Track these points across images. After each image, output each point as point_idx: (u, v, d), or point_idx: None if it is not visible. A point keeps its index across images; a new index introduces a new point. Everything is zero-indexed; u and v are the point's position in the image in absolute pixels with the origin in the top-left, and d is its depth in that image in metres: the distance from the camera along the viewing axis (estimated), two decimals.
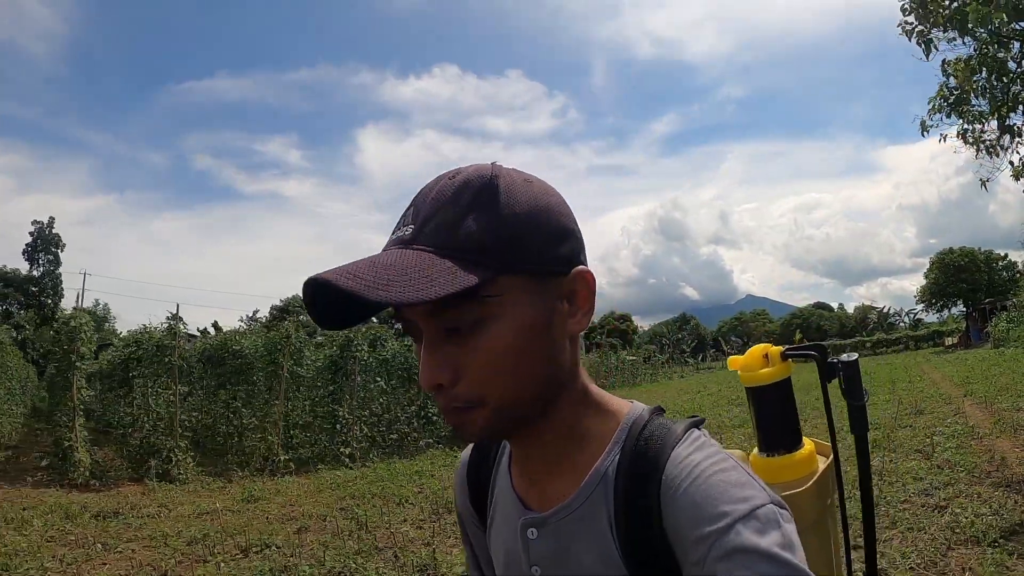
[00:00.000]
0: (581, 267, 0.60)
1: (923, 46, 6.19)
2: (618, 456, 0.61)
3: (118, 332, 20.77)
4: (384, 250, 0.57)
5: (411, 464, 8.90)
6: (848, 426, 0.89)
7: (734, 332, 65.82)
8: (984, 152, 6.56)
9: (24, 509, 6.45)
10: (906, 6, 6.28)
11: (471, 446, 0.78)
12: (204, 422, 10.73)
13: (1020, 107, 6.10)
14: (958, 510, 4.50)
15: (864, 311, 66.01)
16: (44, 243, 42.15)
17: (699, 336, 62.25)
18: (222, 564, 4.71)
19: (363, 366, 10.48)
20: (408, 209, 0.58)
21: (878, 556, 3.82)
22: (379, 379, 10.81)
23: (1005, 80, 5.99)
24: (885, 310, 61.91)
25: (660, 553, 0.56)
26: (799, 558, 0.50)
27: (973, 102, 6.28)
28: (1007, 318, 25.31)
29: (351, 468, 8.90)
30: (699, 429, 0.63)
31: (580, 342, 0.65)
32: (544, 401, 0.60)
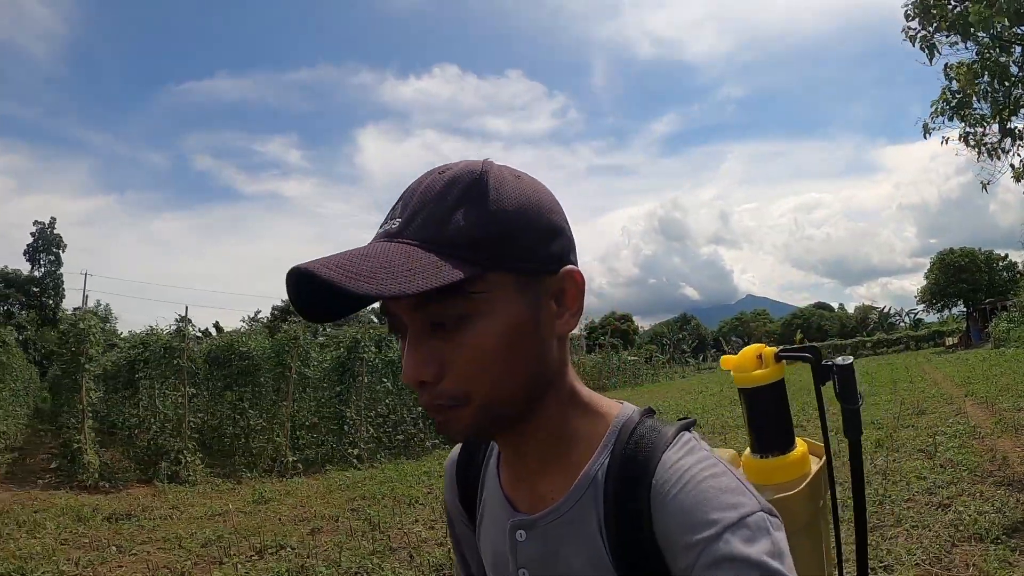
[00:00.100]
0: (571, 266, 0.59)
1: (926, 50, 6.27)
2: (608, 459, 0.60)
3: (119, 333, 20.78)
4: (370, 243, 0.56)
5: (419, 465, 8.93)
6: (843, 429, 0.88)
7: (735, 332, 65.73)
8: (985, 155, 6.64)
9: (35, 512, 6.45)
10: (909, 11, 6.35)
11: (459, 444, 0.76)
12: (210, 423, 10.79)
13: (1021, 111, 6.17)
14: (961, 508, 4.56)
15: (864, 311, 65.90)
16: (45, 244, 42.12)
17: (700, 336, 62.21)
18: (239, 565, 4.75)
19: (369, 367, 10.53)
20: (396, 203, 0.58)
21: (881, 553, 3.90)
22: (385, 380, 10.87)
23: (1007, 84, 6.06)
24: (885, 310, 61.77)
25: (650, 557, 0.55)
26: (787, 566, 0.50)
27: (975, 105, 6.34)
28: (1007, 318, 25.29)
29: (360, 469, 8.95)
30: (690, 432, 0.62)
31: (569, 343, 0.64)
32: (530, 400, 0.59)
